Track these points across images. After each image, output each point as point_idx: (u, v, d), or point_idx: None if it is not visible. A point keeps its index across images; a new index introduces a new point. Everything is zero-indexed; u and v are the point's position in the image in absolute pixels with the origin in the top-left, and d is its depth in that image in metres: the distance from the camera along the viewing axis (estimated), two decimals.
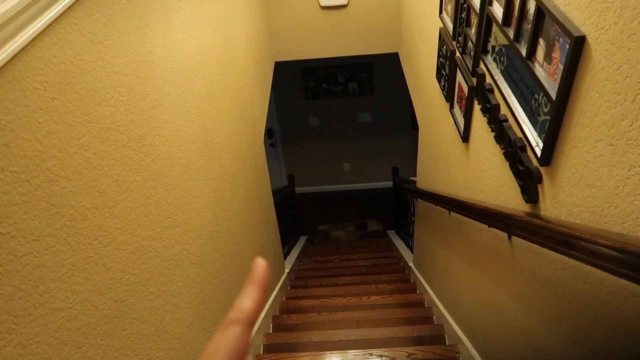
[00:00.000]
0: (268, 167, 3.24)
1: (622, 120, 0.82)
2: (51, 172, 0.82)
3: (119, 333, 1.05)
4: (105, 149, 1.02)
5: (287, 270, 3.76)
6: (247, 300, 0.32)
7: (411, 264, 3.78)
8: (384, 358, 2.29)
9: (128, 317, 1.09)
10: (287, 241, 4.33)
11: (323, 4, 3.48)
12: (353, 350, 2.36)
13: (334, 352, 2.38)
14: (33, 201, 0.77)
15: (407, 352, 2.31)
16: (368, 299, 3.29)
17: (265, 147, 3.19)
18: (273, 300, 2.96)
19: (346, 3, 3.48)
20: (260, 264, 0.34)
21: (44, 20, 0.80)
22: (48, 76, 0.82)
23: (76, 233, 0.89)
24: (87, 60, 0.96)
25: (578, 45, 0.94)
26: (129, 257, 1.11)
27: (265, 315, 2.65)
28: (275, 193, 3.67)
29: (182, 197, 1.47)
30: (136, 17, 1.20)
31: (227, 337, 0.29)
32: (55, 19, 0.84)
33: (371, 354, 2.31)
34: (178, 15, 1.54)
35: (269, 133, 6.31)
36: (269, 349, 2.56)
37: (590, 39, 0.91)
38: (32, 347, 0.76)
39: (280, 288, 3.31)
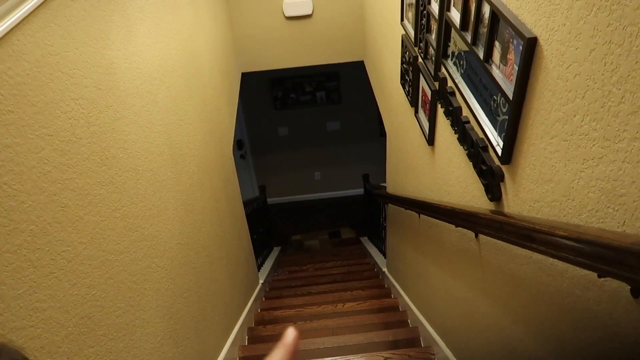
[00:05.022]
0: (239, 179, 3.22)
1: (574, 116, 0.86)
2: (8, 187, 0.80)
3: (85, 351, 1.02)
4: (67, 162, 1.00)
5: (261, 281, 3.73)
6: None
7: (385, 269, 3.80)
8: None
9: (95, 334, 1.06)
10: (260, 252, 4.30)
11: (288, 14, 3.50)
12: (330, 358, 2.35)
13: None
14: None
15: (383, 356, 2.32)
16: (343, 306, 3.29)
17: (235, 159, 3.17)
18: (248, 312, 2.92)
19: (311, 13, 3.51)
20: (292, 331, 0.34)
21: None
22: (3, 89, 0.80)
23: (37, 249, 0.87)
24: (45, 73, 0.94)
25: (530, 46, 0.98)
26: (95, 272, 1.08)
27: (239, 327, 2.62)
28: (247, 204, 3.64)
29: (149, 210, 1.45)
30: (96, 29, 1.19)
31: None
32: (10, 31, 0.82)
33: None
34: (139, 26, 1.52)
35: (239, 144, 6.27)
36: None
37: (541, 40, 0.95)
38: None
39: (255, 300, 3.27)
